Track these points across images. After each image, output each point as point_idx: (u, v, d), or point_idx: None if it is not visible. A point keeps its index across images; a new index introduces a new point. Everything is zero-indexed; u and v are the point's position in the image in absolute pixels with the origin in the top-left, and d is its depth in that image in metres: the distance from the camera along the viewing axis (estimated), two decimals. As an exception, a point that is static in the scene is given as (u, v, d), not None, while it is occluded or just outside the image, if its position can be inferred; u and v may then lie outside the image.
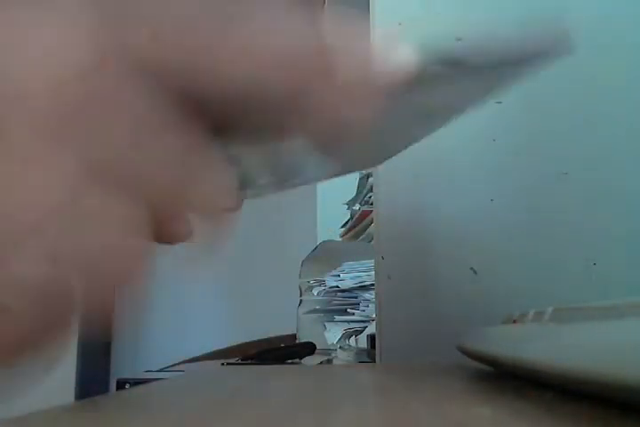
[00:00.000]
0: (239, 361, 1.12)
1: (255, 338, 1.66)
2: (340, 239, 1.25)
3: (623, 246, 0.48)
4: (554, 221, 0.50)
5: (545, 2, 0.54)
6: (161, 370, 1.48)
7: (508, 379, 0.23)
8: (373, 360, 0.55)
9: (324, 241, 1.30)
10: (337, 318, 1.00)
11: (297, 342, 1.25)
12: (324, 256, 1.17)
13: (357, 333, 0.89)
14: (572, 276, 0.48)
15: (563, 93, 0.52)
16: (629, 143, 0.50)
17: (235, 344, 1.70)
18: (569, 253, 0.49)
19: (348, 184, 1.09)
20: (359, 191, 1.06)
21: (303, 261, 1.23)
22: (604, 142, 0.51)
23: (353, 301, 0.98)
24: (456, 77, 0.23)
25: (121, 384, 1.41)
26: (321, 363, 0.94)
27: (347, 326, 0.95)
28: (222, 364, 1.09)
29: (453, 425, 0.15)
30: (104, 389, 1.77)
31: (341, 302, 1.00)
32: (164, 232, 0.21)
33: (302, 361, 1.04)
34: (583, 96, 0.52)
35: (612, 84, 0.51)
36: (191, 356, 1.65)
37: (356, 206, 1.09)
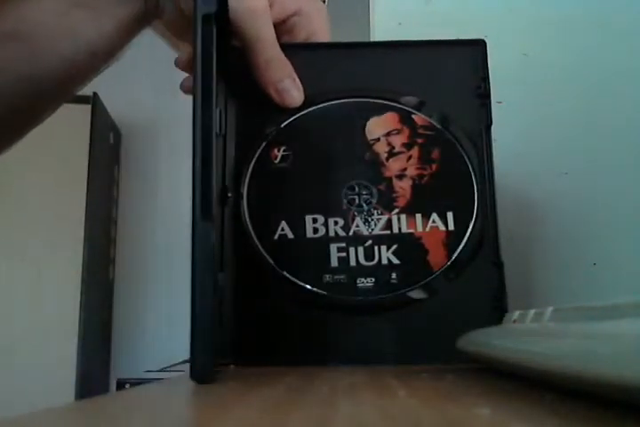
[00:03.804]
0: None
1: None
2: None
3: (623, 246, 0.48)
4: (553, 221, 0.50)
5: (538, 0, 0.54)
6: (161, 370, 1.48)
7: (508, 379, 0.23)
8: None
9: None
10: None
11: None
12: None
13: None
14: (573, 276, 0.48)
15: (563, 93, 0.52)
16: (629, 143, 0.50)
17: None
18: (569, 254, 0.49)
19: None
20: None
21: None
22: (604, 142, 0.51)
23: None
24: None
25: (121, 384, 1.41)
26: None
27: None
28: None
29: (453, 425, 0.15)
30: (104, 389, 1.77)
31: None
32: None
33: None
34: (583, 96, 0.52)
35: (612, 83, 0.51)
36: (191, 356, 1.65)
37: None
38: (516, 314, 0.27)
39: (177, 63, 0.41)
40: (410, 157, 0.36)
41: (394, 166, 0.36)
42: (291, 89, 0.36)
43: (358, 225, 0.36)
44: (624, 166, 0.50)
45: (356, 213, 0.36)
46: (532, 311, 0.24)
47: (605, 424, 0.14)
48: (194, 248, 0.25)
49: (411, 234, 0.35)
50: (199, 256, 0.25)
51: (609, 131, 0.51)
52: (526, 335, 0.22)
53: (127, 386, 1.38)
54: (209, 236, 0.25)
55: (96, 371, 1.78)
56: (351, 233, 0.35)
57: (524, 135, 0.51)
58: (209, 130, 0.26)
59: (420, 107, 0.37)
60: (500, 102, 0.48)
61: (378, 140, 0.37)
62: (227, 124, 0.37)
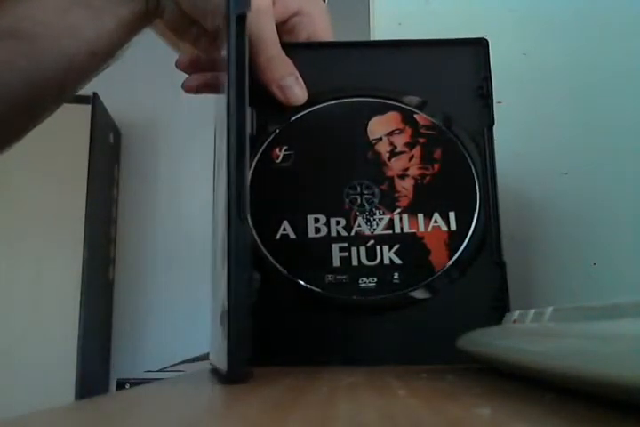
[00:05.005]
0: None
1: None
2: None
3: (623, 246, 0.48)
4: (553, 221, 0.50)
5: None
6: (161, 370, 1.48)
7: (508, 379, 0.23)
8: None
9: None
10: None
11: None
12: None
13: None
14: (573, 276, 0.48)
15: (562, 93, 0.52)
16: (629, 143, 0.50)
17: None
18: (569, 254, 0.49)
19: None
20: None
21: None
22: (604, 142, 0.51)
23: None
24: None
25: (121, 384, 1.41)
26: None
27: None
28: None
29: (453, 425, 0.15)
30: (104, 389, 1.77)
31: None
32: None
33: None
34: (583, 96, 0.52)
35: (612, 83, 0.51)
36: (191, 356, 1.65)
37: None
38: (516, 314, 0.27)
39: (178, 64, 0.40)
40: (412, 157, 0.36)
41: (396, 166, 0.36)
42: (293, 86, 0.36)
43: (360, 225, 0.36)
44: (624, 166, 0.50)
45: (357, 213, 0.36)
46: (532, 311, 0.24)
47: (605, 424, 0.14)
48: (230, 248, 0.24)
49: (413, 234, 0.35)
50: (235, 255, 0.24)
51: (609, 131, 0.51)
52: (526, 335, 0.22)
53: (127, 386, 1.38)
54: (245, 235, 0.25)
55: (96, 371, 1.78)
56: (353, 233, 0.35)
57: (524, 135, 0.51)
58: (243, 128, 0.26)
59: (422, 106, 0.37)
60: (499, 102, 0.48)
61: (380, 139, 0.37)
62: None
